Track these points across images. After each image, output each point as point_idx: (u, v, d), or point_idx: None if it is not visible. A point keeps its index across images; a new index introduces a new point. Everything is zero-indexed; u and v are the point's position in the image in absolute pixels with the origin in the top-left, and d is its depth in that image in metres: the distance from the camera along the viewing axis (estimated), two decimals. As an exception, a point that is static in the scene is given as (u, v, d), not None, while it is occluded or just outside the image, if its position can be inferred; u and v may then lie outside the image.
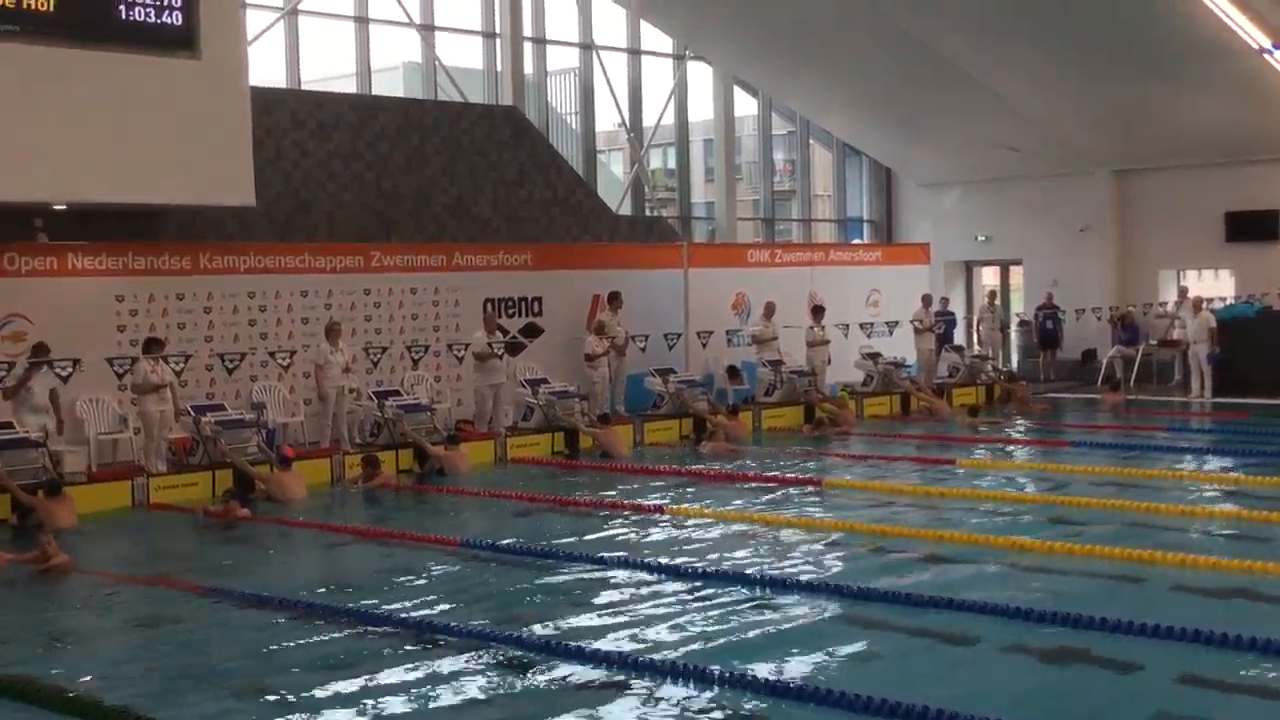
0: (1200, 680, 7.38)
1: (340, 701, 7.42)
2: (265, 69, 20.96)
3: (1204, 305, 22.83)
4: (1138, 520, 12.15)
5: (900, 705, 6.83)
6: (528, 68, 24.60)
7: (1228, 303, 24.29)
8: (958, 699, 6.93)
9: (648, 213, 27.28)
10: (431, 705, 7.32)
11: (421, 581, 10.57)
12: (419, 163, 21.23)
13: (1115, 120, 25.45)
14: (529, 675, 7.80)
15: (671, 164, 29.12)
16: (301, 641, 8.75)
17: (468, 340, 18.02)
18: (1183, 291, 24.74)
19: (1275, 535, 11.36)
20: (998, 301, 27.46)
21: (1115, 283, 26.72)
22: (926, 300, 23.89)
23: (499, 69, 24.11)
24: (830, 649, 8.25)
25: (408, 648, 8.46)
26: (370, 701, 7.39)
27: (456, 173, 21.66)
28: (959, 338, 26.15)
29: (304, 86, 21.54)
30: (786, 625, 8.81)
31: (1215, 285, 27.16)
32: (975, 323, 26.37)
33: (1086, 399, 23.11)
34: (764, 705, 7.19)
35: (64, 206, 15.99)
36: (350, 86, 22.46)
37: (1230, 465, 15.50)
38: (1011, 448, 17.70)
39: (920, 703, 6.80)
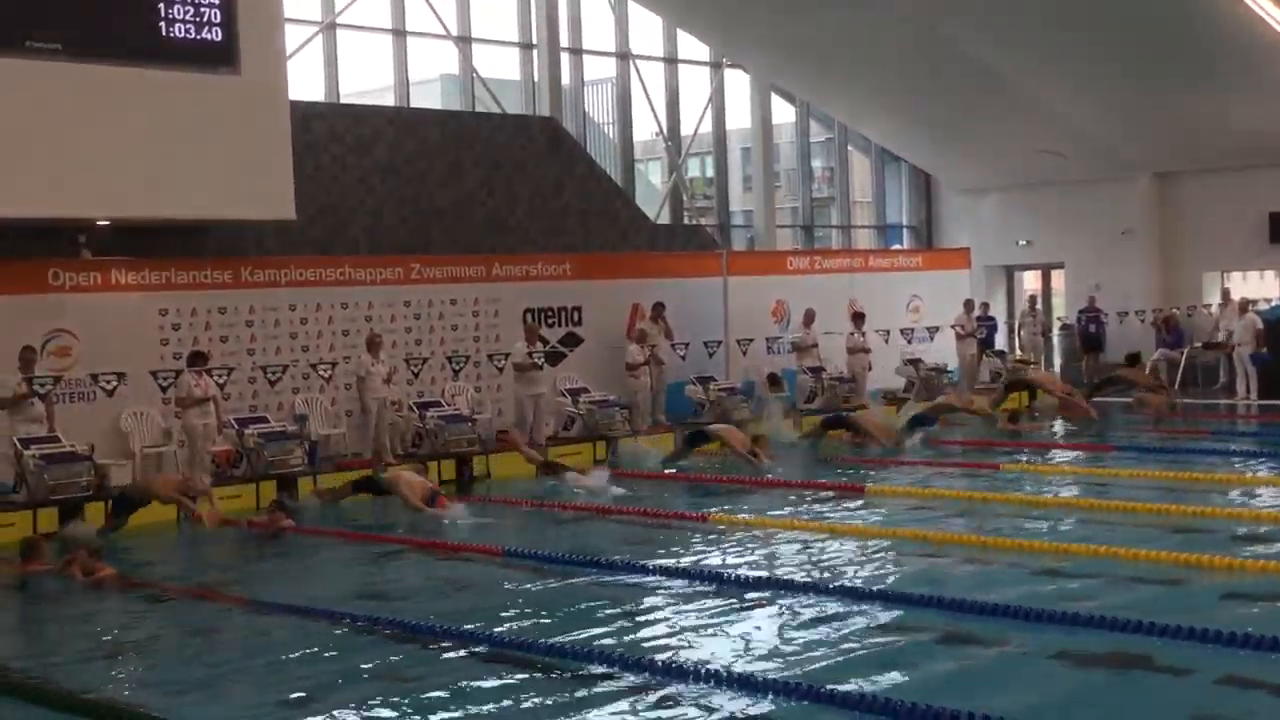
0: (1245, 682, 7.30)
1: (382, 714, 7.42)
2: (304, 83, 21.13)
3: (1249, 307, 22.60)
4: (1184, 525, 12.03)
5: (940, 711, 6.78)
6: (565, 78, 24.67)
7: (1273, 304, 24.04)
8: (998, 706, 6.87)
9: (686, 221, 27.28)
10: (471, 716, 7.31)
11: (465, 592, 10.59)
12: (457, 175, 21.31)
13: (1156, 123, 25.27)
14: (581, 686, 7.78)
15: (710, 172, 29.11)
16: (345, 653, 8.77)
17: (508, 351, 18.07)
18: (1226, 293, 24.51)
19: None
20: (1039, 306, 27.23)
21: (1158, 285, 26.51)
22: (968, 305, 23.77)
23: (536, 80, 24.19)
24: (871, 652, 8.21)
25: (454, 659, 8.47)
26: (411, 712, 7.38)
27: (495, 184, 21.73)
28: (1000, 343, 26.00)
29: (343, 100, 21.69)
30: (824, 631, 8.76)
31: (1260, 287, 26.92)
32: (1017, 327, 26.20)
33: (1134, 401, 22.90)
34: (803, 710, 7.15)
35: (107, 222, 16.15)
36: (388, 100, 22.59)
37: (1277, 467, 15.33)
38: (1055, 450, 17.54)
39: (965, 709, 6.75)
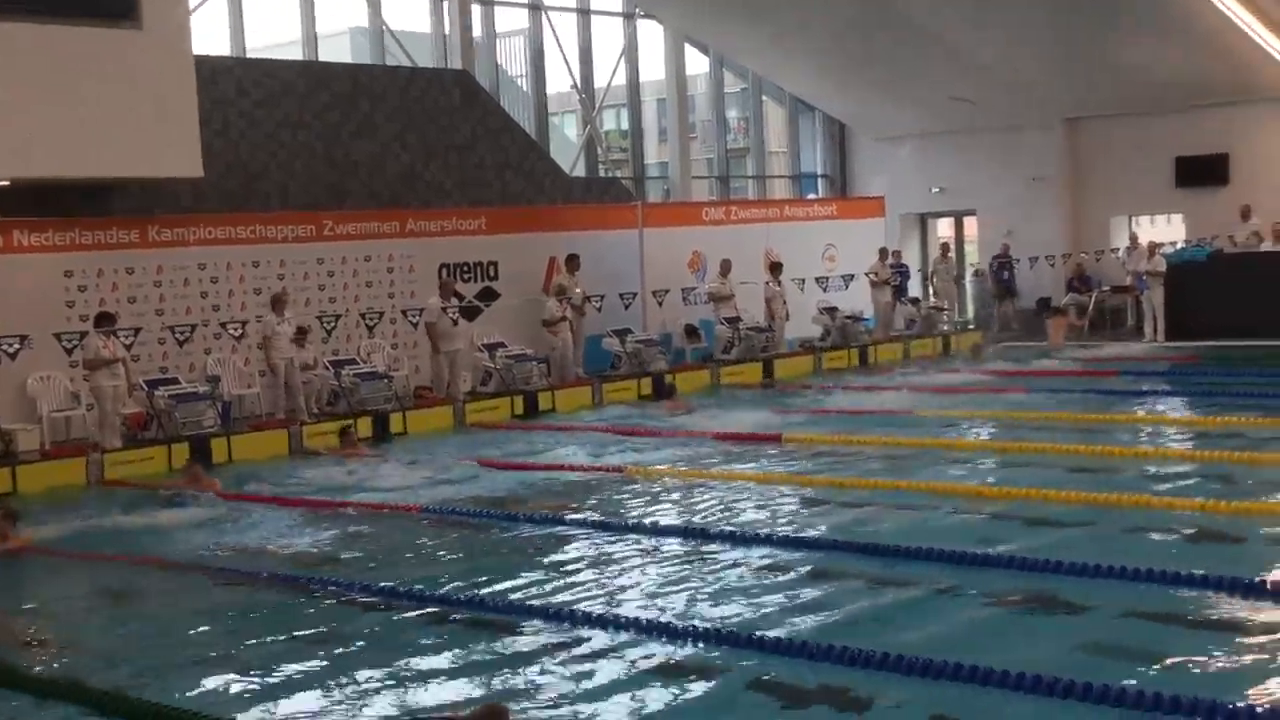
0: (1150, 615, 7.48)
1: (312, 673, 7.38)
2: (209, 38, 20.74)
3: (1156, 250, 22.98)
4: (1093, 464, 12.27)
5: (863, 652, 6.88)
6: (476, 30, 24.41)
7: (1178, 247, 24.46)
8: (916, 644, 6.99)
9: (602, 174, 27.19)
10: (404, 672, 7.28)
11: (384, 548, 10.55)
12: (370, 129, 21.03)
13: (1066, 69, 25.53)
14: (497, 638, 7.80)
15: (625, 125, 29.01)
16: (268, 613, 8.72)
17: (423, 307, 17.95)
18: (1134, 237, 24.90)
19: (1230, 473, 11.47)
20: (951, 254, 27.46)
21: (1068, 231, 26.85)
22: (883, 253, 23.96)
23: (447, 32, 23.91)
24: (792, 597, 8.30)
25: (375, 616, 8.45)
26: (342, 672, 7.34)
27: (408, 139, 21.49)
28: (914, 290, 26.25)
29: (249, 55, 21.31)
30: (744, 577, 8.84)
31: (1167, 230, 27.36)
32: (930, 275, 26.46)
33: (1048, 345, 23.26)
34: (719, 655, 7.22)
35: (7, 182, 15.77)
36: (296, 54, 22.23)
37: (1182, 407, 15.66)
38: (967, 395, 17.77)
39: (878, 650, 6.86)
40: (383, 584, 9.08)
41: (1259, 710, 5.84)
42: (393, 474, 13.79)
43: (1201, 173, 25.52)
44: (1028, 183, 27.41)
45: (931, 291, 26.18)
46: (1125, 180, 26.54)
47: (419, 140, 21.60)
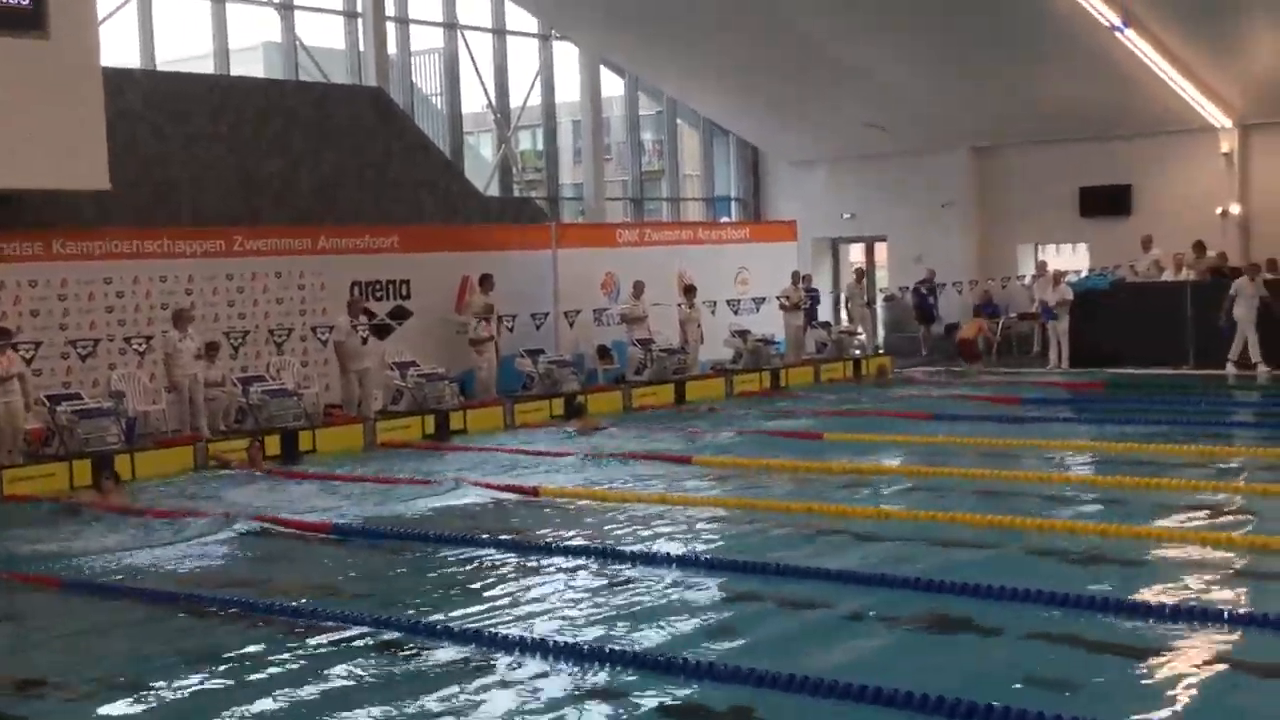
0: (1052, 638, 7.60)
1: (213, 695, 7.26)
2: (118, 50, 20.46)
3: (1062, 279, 23.42)
4: (997, 488, 12.45)
5: (771, 674, 6.91)
6: (391, 48, 24.33)
7: (1082, 275, 24.95)
8: (824, 666, 7.04)
9: (516, 194, 27.17)
10: (307, 695, 7.19)
11: (292, 566, 10.42)
12: (282, 145, 20.86)
13: (975, 97, 25.97)
14: (404, 660, 7.73)
15: (540, 145, 29.03)
16: (171, 633, 8.58)
17: (332, 324, 17.81)
18: (1042, 265, 25.36)
19: (1128, 499, 11.70)
20: (865, 281, 27.75)
21: (977, 257, 27.28)
22: (795, 277, 24.17)
23: (362, 49, 23.80)
24: (703, 620, 8.32)
25: (281, 636, 8.34)
26: (244, 694, 7.24)
27: (321, 155, 21.34)
28: (825, 314, 26.51)
29: (159, 68, 21.05)
30: (655, 599, 8.85)
31: (1072, 259, 27.90)
32: (845, 300, 26.72)
33: (956, 371, 23.59)
34: (629, 678, 7.22)
35: (-92, 193, 15.46)
36: (208, 67, 22.00)
37: (1086, 432, 15.94)
38: (876, 420, 17.95)
39: (789, 672, 6.90)
40: (288, 604, 8.97)
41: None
42: (301, 492, 13.63)
43: (1105, 203, 26.07)
44: (937, 209, 27.82)
45: (846, 316, 26.44)
46: (1032, 209, 27.04)
47: (333, 157, 21.46)
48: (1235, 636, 7.55)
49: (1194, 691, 6.66)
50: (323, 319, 18.29)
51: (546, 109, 27.77)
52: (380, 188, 22.05)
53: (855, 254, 32.39)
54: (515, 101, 27.28)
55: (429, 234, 20.75)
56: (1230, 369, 20.64)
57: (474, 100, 26.81)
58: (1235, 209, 24.95)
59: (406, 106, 24.22)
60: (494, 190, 26.50)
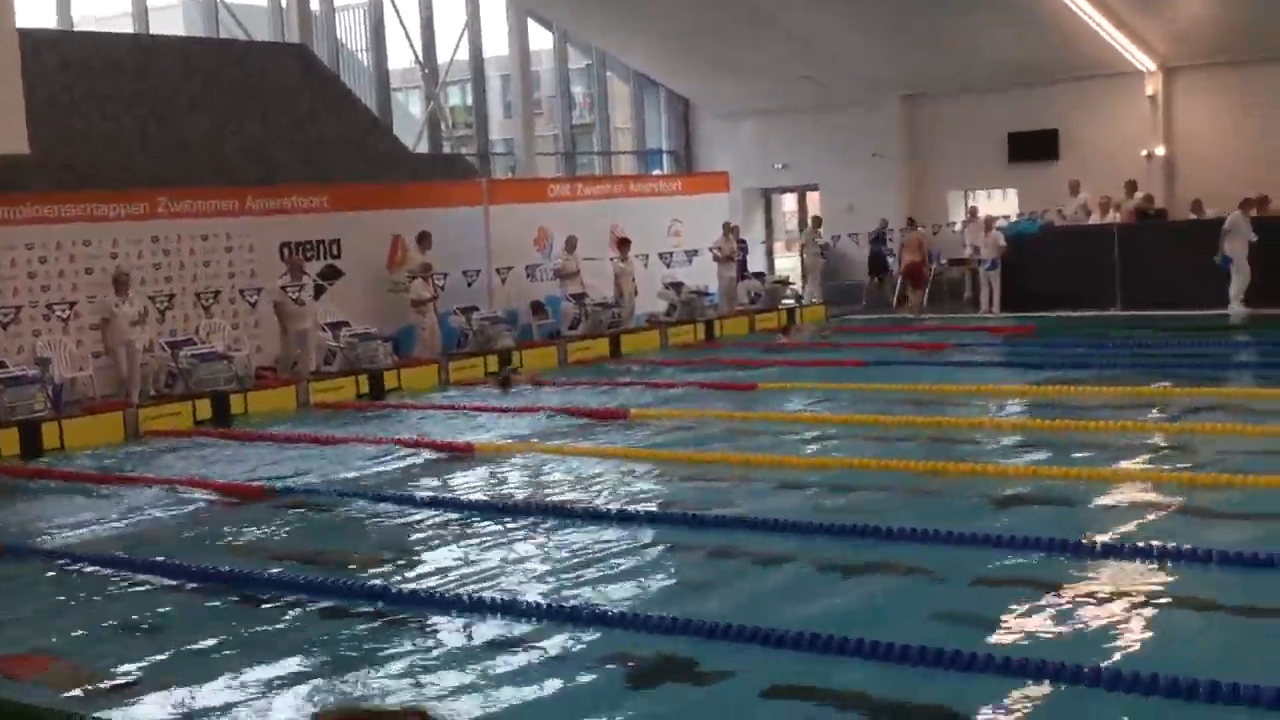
0: (987, 581, 7.69)
1: (153, 666, 7.19)
2: (33, 10, 20.03)
3: (994, 225, 23.59)
4: (931, 434, 12.56)
5: (708, 624, 6.95)
6: (314, 3, 23.98)
7: (1012, 220, 25.15)
8: (761, 614, 7.09)
9: (446, 150, 26.95)
10: (249, 660, 7.14)
11: (227, 530, 10.34)
12: (205, 105, 20.54)
13: (903, 48, 26.02)
14: (342, 620, 7.70)
15: (469, 100, 28.79)
16: (102, 600, 8.49)
17: (260, 286, 17.62)
18: (973, 211, 25.52)
19: (1059, 441, 11.84)
20: (821, 228, 27.04)
21: (907, 205, 27.39)
22: (727, 229, 24.17)
23: (284, 4, 23.45)
24: (642, 573, 8.35)
25: (217, 603, 8.27)
26: (186, 661, 7.18)
27: (246, 114, 21.03)
28: (757, 265, 26.55)
29: (76, 28, 20.63)
30: (592, 553, 8.86)
31: (1002, 204, 28.11)
32: (800, 248, 26.61)
33: (891, 318, 23.74)
34: (568, 631, 7.23)
35: None
36: (127, 26, 21.60)
37: (1017, 376, 16.11)
38: (810, 369, 18.04)
39: (724, 621, 6.94)
40: (227, 567, 8.90)
41: (1103, 669, 6.03)
42: (238, 454, 13.52)
43: (1033, 148, 26.27)
44: (868, 158, 27.90)
45: (801, 266, 26.42)
46: (961, 155, 27.19)
47: (257, 116, 21.17)
48: (1169, 573, 7.67)
49: (1131, 628, 6.77)
50: (252, 281, 18.08)
51: (475, 64, 27.52)
52: (307, 147, 21.78)
53: (788, 204, 32.48)
54: (443, 57, 27.01)
55: (358, 193, 20.53)
56: (1239, 307, 20.42)
57: (401, 56, 26.56)
58: (1160, 151, 25.22)
59: (331, 63, 23.92)
60: (423, 147, 26.27)
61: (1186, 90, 25.15)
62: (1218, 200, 22.97)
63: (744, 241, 26.11)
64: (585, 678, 6.58)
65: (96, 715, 6.33)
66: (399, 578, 8.53)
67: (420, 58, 26.37)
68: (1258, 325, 19.45)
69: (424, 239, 19.79)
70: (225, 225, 18.38)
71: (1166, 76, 25.17)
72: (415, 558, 9.13)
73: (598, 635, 7.14)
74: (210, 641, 7.44)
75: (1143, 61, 25.00)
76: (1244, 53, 23.83)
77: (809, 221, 27.46)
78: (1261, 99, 24.03)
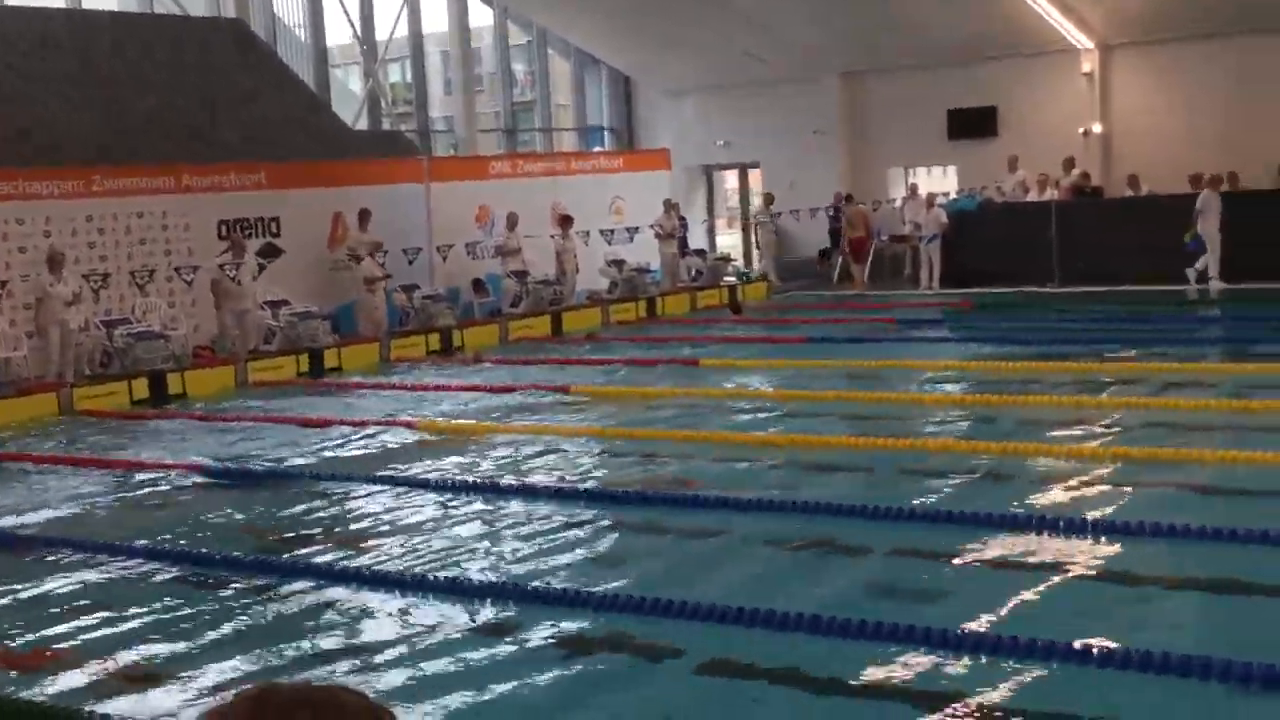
0: (916, 553, 7.77)
1: (92, 642, 7.13)
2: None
3: (935, 202, 23.73)
4: (871, 410, 12.64)
5: (650, 600, 6.97)
6: (251, -22, 23.70)
7: (951, 197, 25.30)
8: (704, 590, 7.11)
9: (386, 128, 26.75)
10: (188, 638, 7.10)
11: (165, 509, 10.24)
12: (139, 81, 20.24)
13: (844, 25, 26.06)
14: (282, 600, 7.66)
15: (409, 77, 28.57)
16: (38, 580, 8.40)
17: (197, 265, 17.44)
18: (913, 188, 25.64)
19: (997, 416, 11.96)
20: (773, 205, 26.76)
21: (848, 182, 27.46)
22: (668, 206, 24.16)
23: (220, -20, 23.17)
24: (583, 550, 8.35)
25: (156, 581, 8.20)
26: (125, 639, 7.12)
27: (181, 90, 20.75)
28: (699, 242, 26.55)
29: (7, 2, 20.28)
30: (536, 530, 8.86)
31: (942, 181, 28.25)
32: (753, 227, 26.58)
33: (832, 295, 23.84)
34: (512, 610, 7.23)
35: None
36: (59, 1, 21.25)
37: (957, 351, 16.26)
38: (751, 345, 18.11)
39: (669, 598, 6.96)
40: (166, 546, 8.82)
41: (1037, 643, 6.10)
42: (174, 432, 13.38)
43: (972, 125, 26.40)
44: (809, 135, 27.95)
45: (755, 244, 26.38)
46: (901, 132, 27.28)
47: (193, 93, 20.89)
48: (1103, 546, 7.78)
49: (1060, 599, 6.86)
50: (189, 260, 17.88)
51: (414, 40, 27.30)
52: (244, 124, 21.52)
53: (730, 181, 32.50)
54: (381, 33, 26.80)
55: (297, 170, 20.32)
56: (1201, 281, 20.50)
57: (339, 32, 26.32)
58: (1097, 128, 25.43)
59: (268, 39, 23.65)
60: (363, 124, 26.05)
61: (1123, 68, 25.38)
62: (1153, 177, 23.25)
63: (685, 219, 26.11)
64: (526, 653, 6.58)
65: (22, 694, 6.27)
66: (341, 555, 8.49)
67: (359, 34, 26.13)
68: (1209, 302, 19.71)
69: (364, 217, 19.64)
70: (161, 203, 18.15)
71: (1103, 55, 25.37)
72: (357, 536, 9.08)
73: (537, 610, 7.15)
74: (149, 620, 7.38)
75: (1080, 40, 25.18)
76: (1179, 31, 24.05)
77: (761, 198, 27.35)
78: (1196, 77, 24.29)
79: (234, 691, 1.85)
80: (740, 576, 7.66)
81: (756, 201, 30.22)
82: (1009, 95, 26.17)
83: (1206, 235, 20.42)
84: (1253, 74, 23.37)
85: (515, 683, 6.22)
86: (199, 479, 11.16)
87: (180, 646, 6.95)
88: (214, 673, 6.53)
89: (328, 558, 8.47)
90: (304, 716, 1.71)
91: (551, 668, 6.39)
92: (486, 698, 6.07)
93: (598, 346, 18.87)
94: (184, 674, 6.54)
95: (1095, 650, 5.90)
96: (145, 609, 7.61)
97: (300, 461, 11.65)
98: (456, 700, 6.05)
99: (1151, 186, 23.18)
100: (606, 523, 9.02)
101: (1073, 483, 9.27)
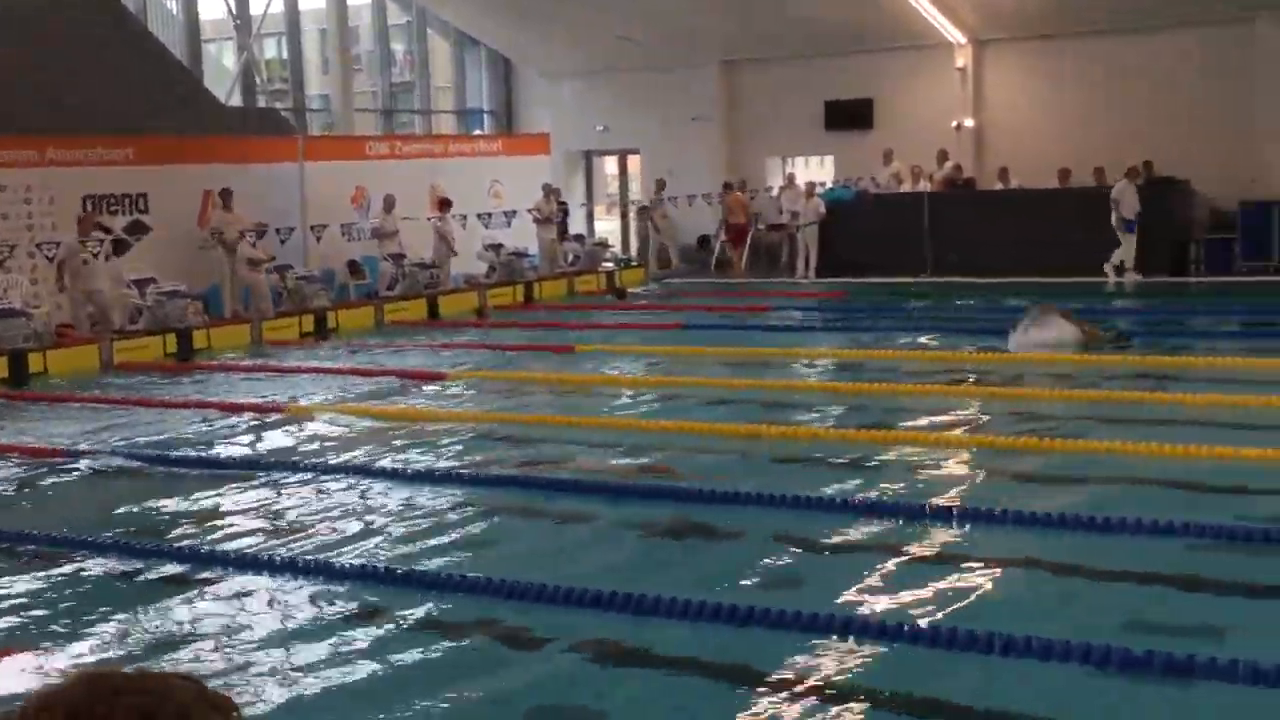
0: (793, 540, 7.85)
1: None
2: None
3: (814, 190, 23.97)
4: (744, 396, 12.75)
5: (523, 586, 6.96)
6: (120, -51, 23.06)
7: (828, 187, 25.58)
8: (579, 575, 7.12)
9: (261, 105, 26.25)
10: (44, 622, 6.92)
11: (30, 493, 9.97)
12: (3, 52, 19.59)
13: (724, 12, 26.15)
14: (145, 585, 7.50)
15: (285, 54, 28.07)
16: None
17: (59, 240, 16.98)
18: (790, 177, 25.87)
19: (868, 404, 12.13)
20: (665, 190, 26.57)
21: (726, 170, 27.61)
22: (547, 190, 24.10)
23: (88, -51, 22.50)
24: (454, 534, 8.31)
25: (14, 565, 7.98)
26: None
27: (47, 63, 20.13)
28: (578, 227, 26.52)
29: None
30: (409, 515, 8.79)
31: (819, 171, 28.56)
32: (650, 212, 26.54)
33: (709, 282, 23.98)
34: (383, 594, 7.17)
35: None
36: (-84, -34, 20.49)
37: (831, 340, 16.46)
38: (629, 331, 18.15)
39: (541, 582, 6.95)
40: (31, 530, 8.59)
41: (905, 627, 6.21)
42: (35, 413, 13.03)
43: (849, 116, 26.70)
44: (688, 122, 28.04)
45: (652, 229, 26.34)
46: (779, 122, 27.50)
47: (60, 65, 20.27)
48: (966, 532, 7.93)
49: (923, 583, 6.98)
50: (53, 236, 17.39)
51: (290, 16, 26.81)
52: (113, 98, 20.93)
53: (609, 166, 32.49)
54: (256, 8, 26.25)
55: (167, 146, 19.86)
56: (1119, 275, 20.71)
57: (213, 6, 25.71)
58: (969, 123, 25.88)
59: (139, 12, 23.07)
60: (236, 100, 25.53)
61: (995, 64, 25.84)
62: (1023, 171, 23.77)
63: (565, 204, 26.06)
64: (396, 636, 6.53)
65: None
66: (207, 539, 8.33)
67: (233, 9, 25.60)
68: (1085, 293, 20.03)
69: (226, 196, 19.21)
70: (24, 176, 17.64)
71: (977, 50, 25.81)
72: (223, 520, 8.92)
73: (407, 594, 7.10)
74: (4, 604, 7.18)
75: (954, 34, 25.59)
76: (1050, 28, 24.56)
77: (655, 183, 27.11)
78: (1066, 72, 24.83)
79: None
80: (612, 561, 7.67)
81: (635, 187, 30.34)
82: (885, 88, 26.51)
83: (1120, 226, 20.77)
84: (1120, 72, 23.96)
85: (384, 666, 6.17)
86: (59, 462, 10.87)
87: (34, 631, 6.77)
88: (65, 658, 6.37)
89: (193, 542, 8.31)
90: (134, 701, 1.69)
91: (420, 651, 6.35)
92: (354, 680, 6.01)
93: (474, 331, 18.76)
94: (39, 658, 6.38)
95: (956, 632, 6.01)
96: (2, 593, 7.41)
97: (167, 445, 11.40)
98: (323, 682, 5.98)
99: (1021, 180, 23.68)
100: (479, 507, 8.97)
101: (939, 470, 9.44)
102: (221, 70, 28.02)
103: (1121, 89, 23.99)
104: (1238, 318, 17.47)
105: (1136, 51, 23.86)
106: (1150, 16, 23.28)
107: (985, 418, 11.30)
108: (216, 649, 6.45)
